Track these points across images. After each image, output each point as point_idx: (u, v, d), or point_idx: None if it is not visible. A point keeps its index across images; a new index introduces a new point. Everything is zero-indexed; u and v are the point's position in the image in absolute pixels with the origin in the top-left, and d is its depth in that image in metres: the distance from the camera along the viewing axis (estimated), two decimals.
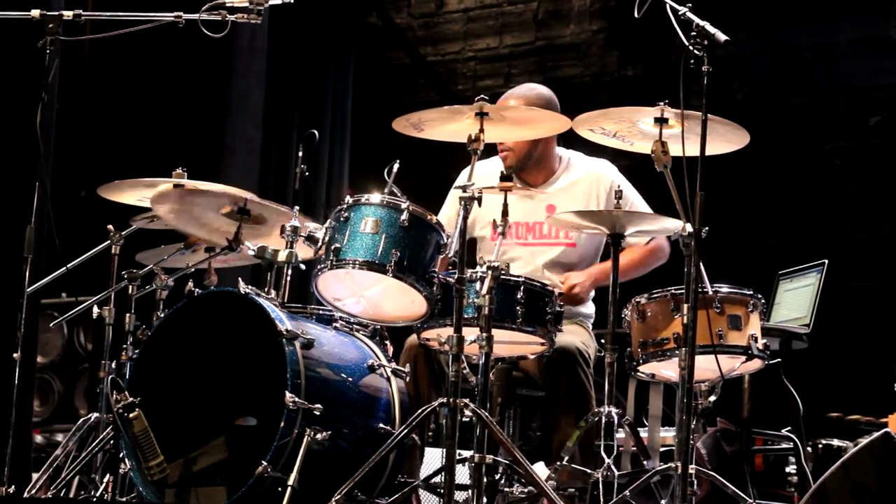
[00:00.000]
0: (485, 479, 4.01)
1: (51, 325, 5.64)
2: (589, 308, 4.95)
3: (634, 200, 4.87)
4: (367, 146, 7.59)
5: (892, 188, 6.70)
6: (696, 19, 3.82)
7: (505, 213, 4.18)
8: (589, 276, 4.81)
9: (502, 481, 4.30)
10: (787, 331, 5.43)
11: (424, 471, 4.54)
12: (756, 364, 4.33)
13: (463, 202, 4.01)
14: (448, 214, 4.80)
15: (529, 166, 4.90)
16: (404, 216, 4.15)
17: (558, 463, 4.27)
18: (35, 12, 4.27)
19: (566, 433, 4.39)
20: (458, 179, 5.03)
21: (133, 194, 4.77)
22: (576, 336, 4.59)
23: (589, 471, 4.24)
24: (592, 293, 4.94)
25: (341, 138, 7.79)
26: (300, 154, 5.11)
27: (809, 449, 5.37)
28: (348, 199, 4.27)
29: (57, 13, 4.26)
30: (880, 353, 5.99)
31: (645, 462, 4.40)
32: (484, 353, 3.95)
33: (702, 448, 5.27)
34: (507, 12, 8.06)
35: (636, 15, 3.92)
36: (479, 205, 4.06)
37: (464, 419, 3.93)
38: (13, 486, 4.07)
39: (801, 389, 5.43)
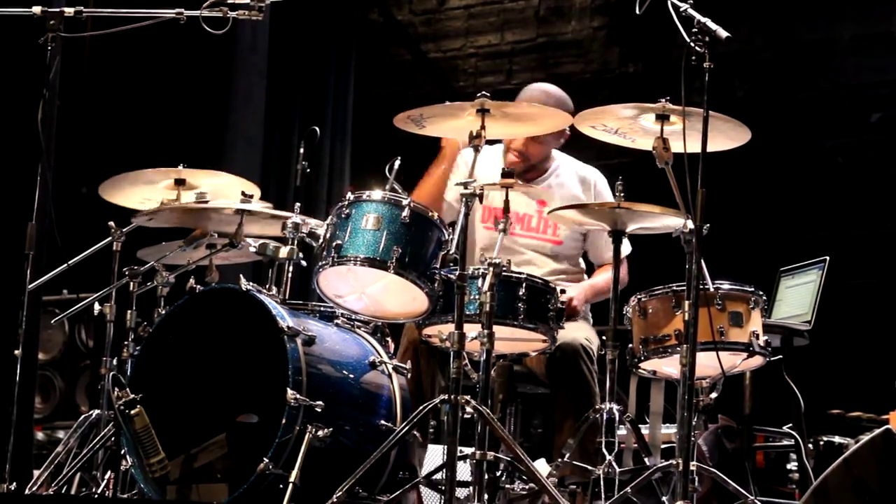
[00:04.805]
0: (486, 476, 4.01)
1: (52, 322, 5.62)
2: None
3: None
4: (369, 143, 7.57)
5: (894, 185, 6.69)
6: (698, 16, 3.82)
7: (507, 210, 4.18)
8: (583, 289, 4.82)
9: (503, 478, 4.30)
10: (789, 328, 5.42)
11: (426, 468, 4.53)
12: (757, 361, 4.33)
13: (464, 198, 4.01)
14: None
15: (529, 167, 4.94)
16: (406, 213, 4.15)
17: (559, 460, 4.27)
18: (36, 9, 4.27)
19: (569, 432, 4.39)
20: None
21: (134, 194, 4.77)
22: (580, 332, 4.58)
23: (590, 467, 4.25)
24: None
25: (343, 135, 7.77)
26: (301, 151, 5.09)
27: (811, 446, 5.37)
28: (349, 195, 4.27)
29: (58, 10, 4.25)
30: (882, 350, 5.99)
31: (646, 459, 4.39)
32: (485, 350, 3.95)
33: (703, 445, 5.27)
34: (509, 9, 8.04)
35: (637, 11, 3.92)
36: (481, 201, 4.07)
37: (465, 416, 3.93)
38: (14, 484, 4.07)
39: (803, 386, 5.42)
